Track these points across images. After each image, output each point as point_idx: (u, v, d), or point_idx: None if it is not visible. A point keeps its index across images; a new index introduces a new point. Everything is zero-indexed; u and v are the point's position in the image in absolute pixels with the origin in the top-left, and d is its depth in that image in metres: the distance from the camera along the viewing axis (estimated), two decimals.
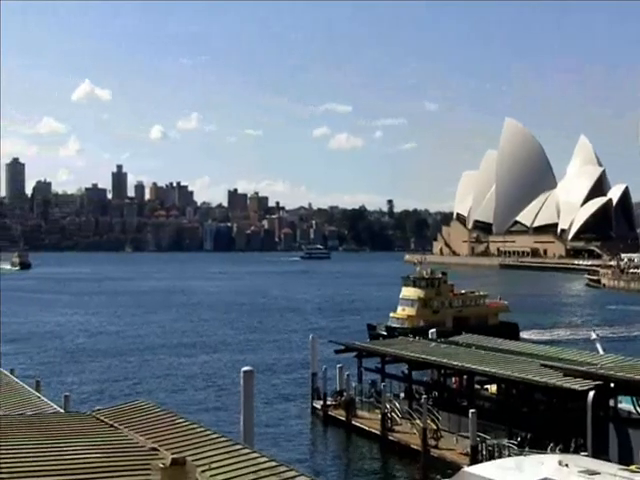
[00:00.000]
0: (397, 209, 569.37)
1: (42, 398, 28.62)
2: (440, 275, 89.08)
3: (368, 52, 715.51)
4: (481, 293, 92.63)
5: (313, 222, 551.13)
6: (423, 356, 46.25)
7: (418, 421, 42.81)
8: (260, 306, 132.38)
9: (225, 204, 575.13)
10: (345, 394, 49.65)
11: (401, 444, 43.17)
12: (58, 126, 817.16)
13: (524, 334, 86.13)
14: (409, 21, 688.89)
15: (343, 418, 48.70)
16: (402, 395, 49.26)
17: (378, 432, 45.10)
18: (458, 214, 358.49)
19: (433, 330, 59.87)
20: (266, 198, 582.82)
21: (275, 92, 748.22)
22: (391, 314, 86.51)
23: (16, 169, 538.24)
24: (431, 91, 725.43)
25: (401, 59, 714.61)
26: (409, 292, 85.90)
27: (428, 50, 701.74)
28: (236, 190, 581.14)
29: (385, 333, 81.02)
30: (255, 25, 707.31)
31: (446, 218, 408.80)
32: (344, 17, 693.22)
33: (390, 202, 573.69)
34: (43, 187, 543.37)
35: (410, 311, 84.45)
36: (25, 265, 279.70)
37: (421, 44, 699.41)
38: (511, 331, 79.14)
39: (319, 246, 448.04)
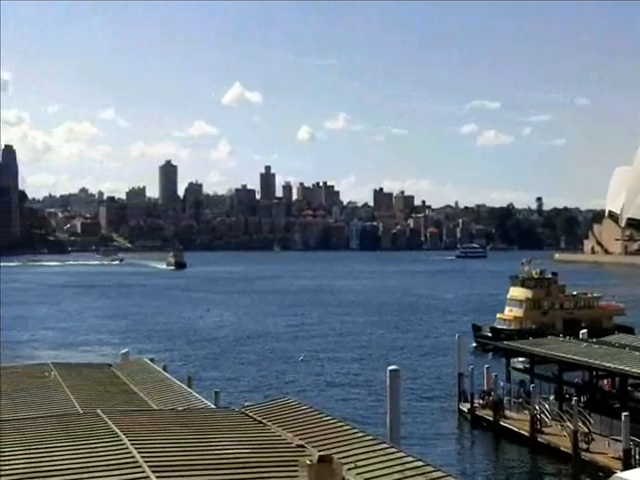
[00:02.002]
0: (546, 207, 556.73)
1: (193, 394, 29.46)
2: (550, 275, 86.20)
3: (517, 48, 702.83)
4: (594, 294, 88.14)
5: (459, 221, 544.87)
6: (574, 357, 45.17)
7: (569, 423, 41.87)
8: (408, 306, 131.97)
9: (371, 203, 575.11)
10: (493, 394, 49.03)
11: (551, 447, 42.32)
12: (209, 129, 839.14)
13: None
14: (558, 16, 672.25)
15: (491, 418, 48.07)
16: (552, 396, 48.24)
17: (527, 434, 44.31)
18: (610, 211, 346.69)
19: (584, 330, 58.32)
20: (412, 197, 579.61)
21: (423, 90, 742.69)
22: (498, 315, 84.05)
23: (169, 171, 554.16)
24: (581, 86, 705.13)
25: (549, 54, 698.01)
26: (517, 292, 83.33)
27: (578, 44, 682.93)
28: (382, 189, 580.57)
29: (490, 334, 79.25)
30: (401, 26, 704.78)
31: (598, 216, 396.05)
32: (489, 13, 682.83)
33: (539, 200, 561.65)
34: (195, 188, 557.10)
35: (518, 312, 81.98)
36: (180, 265, 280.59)
37: (571, 39, 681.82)
38: None
39: (475, 245, 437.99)
